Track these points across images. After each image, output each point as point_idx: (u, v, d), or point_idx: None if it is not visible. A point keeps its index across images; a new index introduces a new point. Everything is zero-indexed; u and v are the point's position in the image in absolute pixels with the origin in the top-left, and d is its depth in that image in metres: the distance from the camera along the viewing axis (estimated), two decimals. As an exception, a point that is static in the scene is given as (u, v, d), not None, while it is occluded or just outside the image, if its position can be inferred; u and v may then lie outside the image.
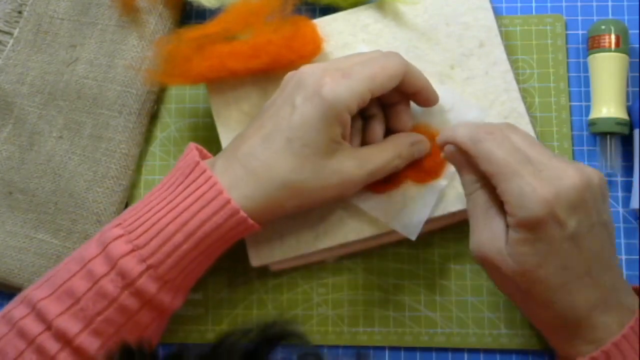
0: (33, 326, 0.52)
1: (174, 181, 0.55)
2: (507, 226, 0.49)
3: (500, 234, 0.50)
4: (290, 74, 0.56)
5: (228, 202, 0.52)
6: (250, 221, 0.53)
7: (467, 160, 0.52)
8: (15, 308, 0.54)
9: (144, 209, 0.54)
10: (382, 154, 0.56)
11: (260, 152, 0.53)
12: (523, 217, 0.47)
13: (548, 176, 0.48)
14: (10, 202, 0.66)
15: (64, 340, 0.51)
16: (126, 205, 0.66)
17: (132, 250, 0.52)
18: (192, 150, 0.56)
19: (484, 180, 0.51)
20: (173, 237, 0.53)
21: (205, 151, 0.59)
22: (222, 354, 0.42)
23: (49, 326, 0.52)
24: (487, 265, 0.51)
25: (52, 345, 0.51)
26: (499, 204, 0.50)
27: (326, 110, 0.52)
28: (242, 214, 0.52)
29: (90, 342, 0.52)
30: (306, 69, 0.54)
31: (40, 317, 0.52)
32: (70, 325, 0.52)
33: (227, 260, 0.63)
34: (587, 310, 0.49)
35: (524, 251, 0.48)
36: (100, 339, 0.52)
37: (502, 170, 0.48)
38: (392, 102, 0.58)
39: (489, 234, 0.50)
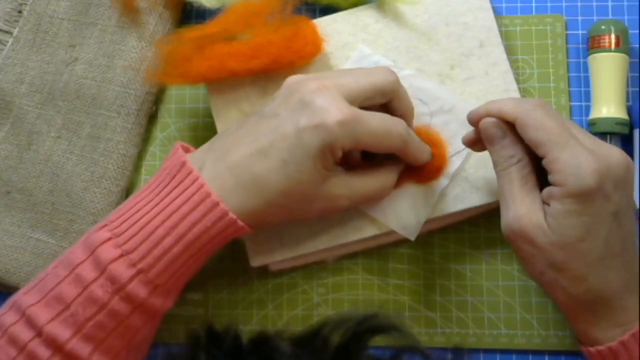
0: (23, 333, 0.52)
1: (160, 182, 0.54)
2: (543, 201, 0.51)
3: (538, 207, 0.50)
4: (293, 81, 0.55)
5: (217, 204, 0.52)
6: (240, 223, 0.53)
7: (503, 134, 0.53)
8: (5, 314, 0.53)
9: (131, 211, 0.54)
10: (372, 184, 0.57)
11: (253, 166, 0.53)
12: (576, 187, 0.48)
13: (596, 149, 0.49)
14: (7, 202, 0.66)
15: (55, 346, 0.51)
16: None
17: (122, 255, 0.52)
18: (178, 150, 0.55)
19: (520, 155, 0.52)
20: (163, 240, 0.52)
21: (192, 149, 0.58)
22: (318, 341, 0.42)
23: (39, 332, 0.52)
24: (523, 240, 0.51)
25: (43, 352, 0.51)
26: (534, 179, 0.52)
27: (329, 143, 0.51)
28: (232, 215, 0.52)
29: (81, 348, 0.52)
30: (315, 87, 0.53)
31: (30, 323, 0.52)
32: (60, 331, 0.51)
33: (227, 260, 0.64)
34: (618, 289, 0.50)
35: (569, 223, 0.49)
36: (92, 344, 0.52)
37: (554, 138, 0.49)
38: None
39: (527, 208, 0.51)
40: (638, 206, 0.61)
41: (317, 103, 0.52)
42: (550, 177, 0.50)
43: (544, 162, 0.50)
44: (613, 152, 0.50)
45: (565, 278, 0.51)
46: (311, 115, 0.52)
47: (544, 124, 0.50)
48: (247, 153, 0.53)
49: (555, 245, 0.49)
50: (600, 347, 0.51)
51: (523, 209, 0.51)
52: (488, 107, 0.54)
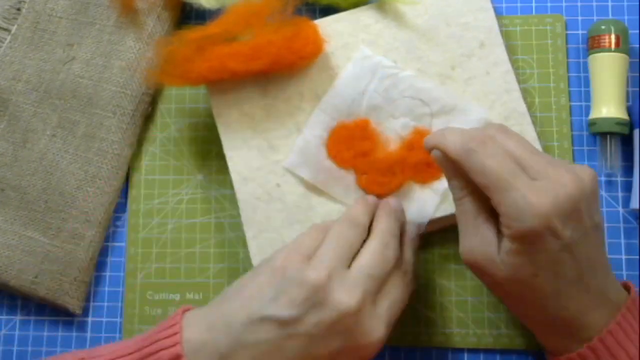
0: None
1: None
2: (498, 233, 0.50)
3: (490, 241, 0.51)
4: (319, 283, 0.51)
5: None
6: None
7: (454, 167, 0.52)
8: None
9: None
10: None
11: None
12: (519, 230, 0.48)
13: (543, 186, 0.48)
14: (1, 199, 0.67)
15: None
16: (116, 206, 0.67)
17: None
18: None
19: (472, 187, 0.52)
20: None
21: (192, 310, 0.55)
22: None
23: None
24: (478, 270, 0.52)
25: None
26: (488, 211, 0.51)
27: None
28: None
29: None
30: (355, 306, 0.50)
31: None
32: None
33: (227, 260, 0.65)
34: (578, 311, 0.51)
35: (519, 261, 0.49)
36: None
37: (495, 183, 0.49)
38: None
39: (479, 241, 0.51)
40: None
41: (361, 328, 0.51)
42: (500, 218, 0.50)
43: (491, 203, 0.50)
44: (562, 184, 0.48)
45: (523, 307, 0.53)
46: (351, 341, 0.51)
47: (484, 168, 0.49)
48: None
49: (509, 280, 0.50)
50: (570, 355, 0.52)
51: (475, 242, 0.51)
52: (436, 141, 0.53)
